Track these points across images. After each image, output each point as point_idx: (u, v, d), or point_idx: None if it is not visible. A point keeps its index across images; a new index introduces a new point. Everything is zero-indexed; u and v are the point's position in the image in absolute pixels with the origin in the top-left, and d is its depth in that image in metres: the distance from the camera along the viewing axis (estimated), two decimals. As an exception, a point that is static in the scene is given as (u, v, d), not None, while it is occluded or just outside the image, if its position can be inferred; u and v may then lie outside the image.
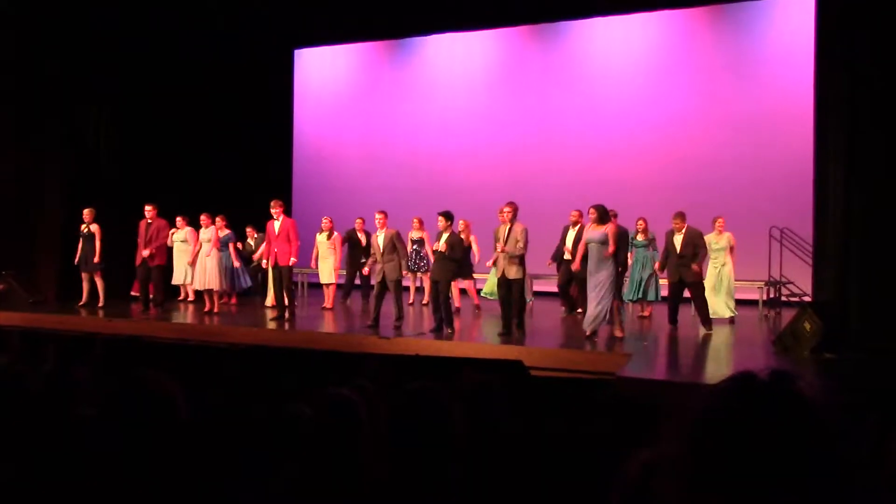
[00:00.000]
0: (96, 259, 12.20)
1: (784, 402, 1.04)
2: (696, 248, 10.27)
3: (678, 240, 10.36)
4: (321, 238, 12.66)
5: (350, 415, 2.41)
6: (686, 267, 10.21)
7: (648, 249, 11.58)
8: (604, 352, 8.48)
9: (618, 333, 9.24)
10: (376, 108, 17.46)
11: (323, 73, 18.19)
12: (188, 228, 12.84)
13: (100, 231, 12.26)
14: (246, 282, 13.47)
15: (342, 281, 13.27)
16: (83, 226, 12.36)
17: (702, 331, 10.06)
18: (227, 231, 12.95)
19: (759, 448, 1.00)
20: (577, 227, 11.22)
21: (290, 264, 11.12)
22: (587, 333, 9.12)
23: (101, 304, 12.32)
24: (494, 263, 9.78)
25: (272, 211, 11.09)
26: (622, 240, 9.73)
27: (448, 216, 9.82)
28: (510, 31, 16.42)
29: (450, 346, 8.72)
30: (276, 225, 11.07)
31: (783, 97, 13.93)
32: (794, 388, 1.06)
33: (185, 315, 12.02)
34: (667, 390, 6.50)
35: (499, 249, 9.39)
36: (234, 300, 13.44)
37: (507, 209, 9.47)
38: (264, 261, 11.71)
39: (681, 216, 10.51)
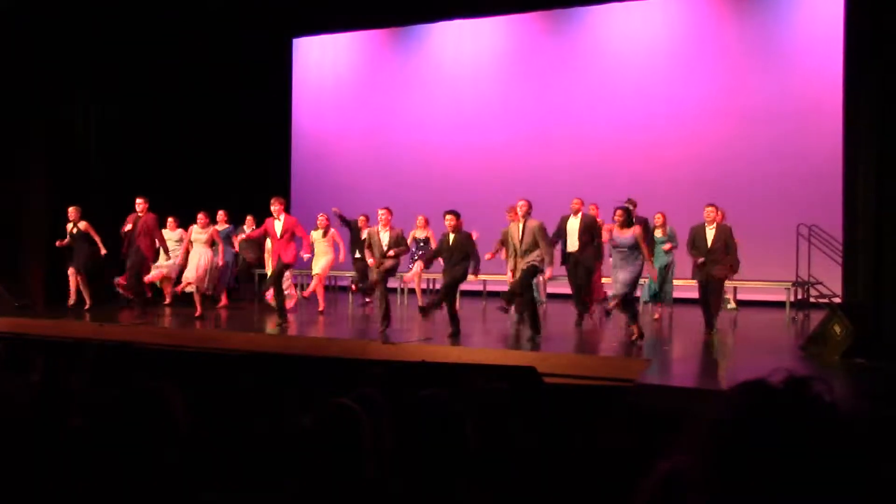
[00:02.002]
0: (102, 251, 12.40)
1: (799, 410, 1.04)
2: (727, 245, 10.25)
3: (710, 234, 10.29)
4: (316, 235, 12.69)
5: (352, 426, 2.42)
6: (716, 264, 10.18)
7: (666, 246, 11.50)
8: (622, 357, 8.48)
9: (634, 336, 9.23)
10: (379, 101, 17.48)
11: (323, 63, 18.23)
12: (180, 230, 12.93)
13: (90, 227, 12.44)
14: (230, 279, 13.53)
15: (343, 283, 13.31)
16: (69, 225, 12.49)
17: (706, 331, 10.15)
18: (227, 225, 13.12)
19: (773, 458, 1.01)
20: (578, 216, 11.17)
21: (293, 261, 11.13)
22: (610, 306, 9.34)
23: (87, 307, 12.42)
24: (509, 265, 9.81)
25: (272, 209, 11.00)
26: (644, 231, 9.85)
27: (457, 215, 9.83)
28: (522, 17, 16.43)
29: (458, 351, 8.72)
30: (278, 225, 10.98)
31: (811, 86, 13.90)
32: (810, 394, 1.06)
33: (175, 319, 12.06)
34: (689, 397, 6.49)
35: (514, 251, 9.43)
36: (223, 301, 13.41)
37: (521, 203, 9.50)
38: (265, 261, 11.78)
39: (714, 207, 10.45)
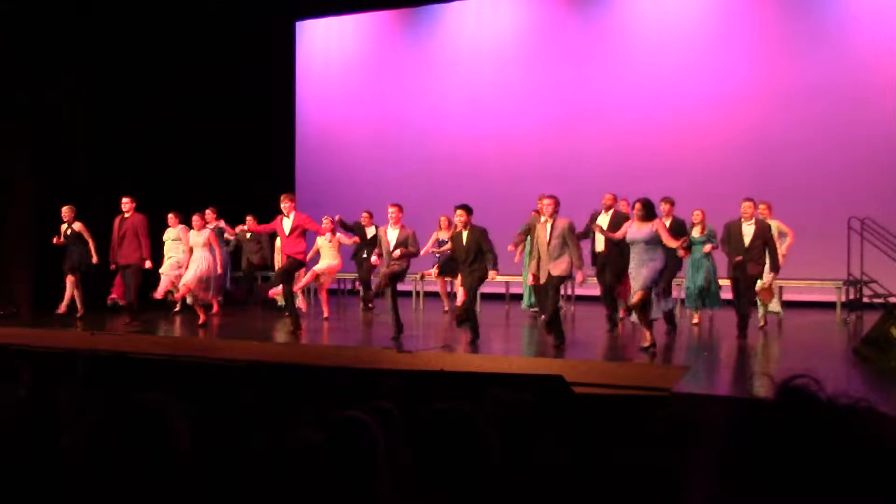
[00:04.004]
0: (94, 259, 12.46)
1: (800, 419, 1.07)
2: (765, 243, 10.15)
3: (748, 231, 10.18)
4: (321, 240, 12.74)
5: (364, 441, 2.42)
6: (755, 262, 10.03)
7: (706, 248, 11.38)
8: (657, 364, 8.45)
9: (647, 343, 9.14)
10: (391, 88, 17.49)
11: (328, 47, 18.27)
12: (181, 226, 12.98)
13: (84, 229, 12.51)
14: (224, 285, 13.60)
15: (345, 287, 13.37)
16: (64, 226, 12.56)
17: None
18: (216, 223, 13.19)
19: (785, 472, 1.05)
20: (610, 212, 11.16)
21: (304, 259, 11.27)
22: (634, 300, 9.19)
23: (79, 315, 12.49)
24: (530, 269, 9.78)
25: (282, 206, 11.12)
26: (679, 233, 9.68)
27: (468, 210, 9.80)
28: (544, -6, 16.42)
29: (480, 360, 8.73)
30: (287, 223, 11.10)
31: (863, 67, 13.79)
32: (806, 398, 1.10)
33: (174, 327, 12.13)
34: (731, 407, 6.46)
35: (542, 252, 9.40)
36: (215, 308, 13.42)
37: (547, 202, 9.48)
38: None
39: (752, 202, 10.33)
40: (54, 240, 12.66)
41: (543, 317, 9.85)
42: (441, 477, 2.27)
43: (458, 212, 9.78)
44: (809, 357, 9.32)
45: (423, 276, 13.17)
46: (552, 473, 3.12)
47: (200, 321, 11.96)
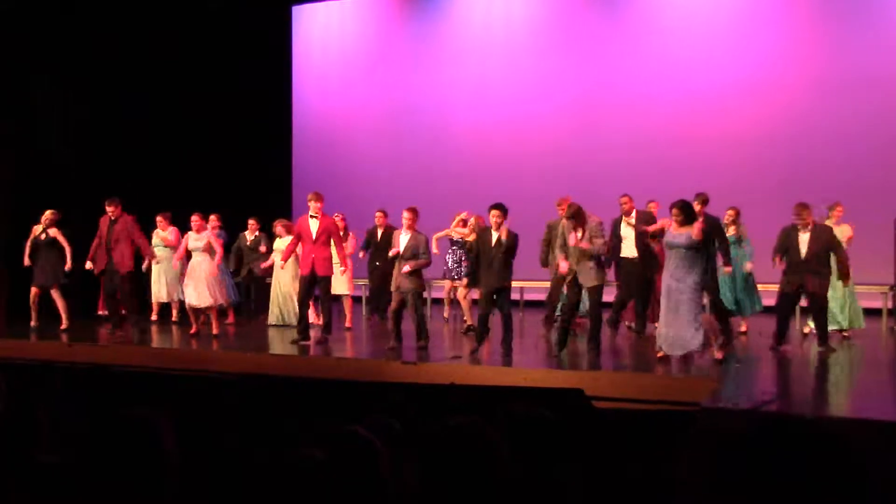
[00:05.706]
0: (67, 266, 12.39)
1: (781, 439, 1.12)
2: (828, 250, 9.86)
3: (804, 238, 9.92)
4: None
5: (367, 459, 2.43)
6: (816, 274, 9.78)
7: (740, 247, 11.38)
8: (685, 377, 8.42)
9: (718, 355, 9.10)
10: (393, 77, 17.49)
11: (328, 34, 18.29)
12: (171, 228, 12.96)
13: (62, 235, 12.39)
14: (234, 294, 13.63)
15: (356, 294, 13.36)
16: (38, 230, 12.44)
17: (814, 349, 9.90)
18: (220, 230, 13.22)
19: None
20: (633, 214, 11.26)
21: (331, 273, 11.13)
22: (665, 354, 9.10)
23: (63, 326, 12.40)
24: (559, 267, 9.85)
25: (312, 205, 11.05)
26: (715, 233, 9.65)
27: (504, 210, 9.82)
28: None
29: (493, 372, 8.73)
30: (315, 224, 11.03)
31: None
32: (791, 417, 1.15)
33: (170, 337, 12.15)
34: (764, 422, 6.45)
35: (573, 244, 9.42)
36: (230, 318, 13.46)
37: (570, 203, 9.57)
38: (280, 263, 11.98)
39: (807, 208, 10.02)
40: (26, 261, 12.50)
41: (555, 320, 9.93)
42: (450, 498, 2.28)
43: (494, 211, 9.81)
44: (853, 369, 9.31)
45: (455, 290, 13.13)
46: (569, 494, 3.13)
47: (192, 331, 11.96)
